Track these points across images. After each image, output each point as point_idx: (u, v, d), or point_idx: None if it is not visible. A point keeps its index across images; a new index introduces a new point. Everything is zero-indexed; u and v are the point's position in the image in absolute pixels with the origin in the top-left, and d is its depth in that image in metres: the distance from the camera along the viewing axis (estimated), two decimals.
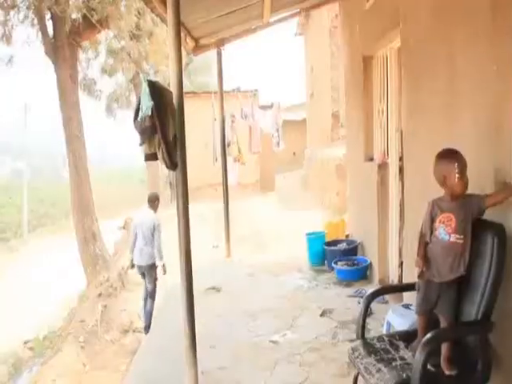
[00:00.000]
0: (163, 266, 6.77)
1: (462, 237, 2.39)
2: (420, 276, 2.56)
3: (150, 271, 6.88)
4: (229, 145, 8.19)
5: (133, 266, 7.17)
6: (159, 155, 3.13)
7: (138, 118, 3.12)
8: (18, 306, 12.57)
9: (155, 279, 6.96)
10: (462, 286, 2.44)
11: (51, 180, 32.64)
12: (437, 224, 2.49)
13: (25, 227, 23.83)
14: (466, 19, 2.84)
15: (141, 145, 3.21)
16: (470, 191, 2.47)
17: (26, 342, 10.30)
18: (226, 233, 7.47)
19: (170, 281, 6.10)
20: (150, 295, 6.93)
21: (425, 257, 2.54)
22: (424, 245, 2.58)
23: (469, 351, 2.41)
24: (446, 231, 2.43)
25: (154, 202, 7.01)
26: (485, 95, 2.63)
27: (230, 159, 8.07)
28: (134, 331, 7.78)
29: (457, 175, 2.39)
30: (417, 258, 2.58)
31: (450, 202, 2.46)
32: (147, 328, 6.61)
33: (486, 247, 2.36)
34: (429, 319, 2.57)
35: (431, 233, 2.53)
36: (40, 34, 12.04)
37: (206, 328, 4.27)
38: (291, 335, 4.33)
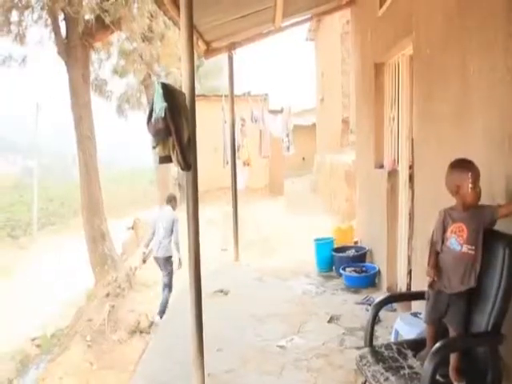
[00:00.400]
0: (179, 259, 7.26)
1: (473, 247, 2.39)
2: (431, 286, 2.56)
3: (165, 264, 7.44)
4: (238, 148, 8.22)
5: (144, 261, 7.78)
6: (173, 157, 3.13)
7: (152, 120, 3.12)
8: (26, 303, 12.65)
9: (171, 272, 7.44)
10: (472, 296, 2.44)
11: (61, 179, 32.81)
12: (448, 234, 2.48)
13: (34, 225, 23.96)
14: (480, 28, 2.84)
15: (154, 148, 3.21)
16: (481, 201, 2.46)
17: (33, 339, 10.37)
18: (235, 236, 7.48)
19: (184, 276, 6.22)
20: (166, 286, 7.45)
21: (436, 266, 2.54)
22: (435, 254, 2.57)
23: (478, 362, 2.40)
24: (457, 241, 2.43)
25: (170, 201, 7.66)
26: (497, 105, 2.63)
27: (239, 163, 8.09)
28: (141, 332, 7.81)
29: (470, 185, 2.38)
30: (428, 268, 2.57)
31: (461, 212, 2.45)
32: (161, 313, 7.10)
33: (497, 258, 2.34)
34: (438, 328, 2.57)
35: (442, 242, 2.53)
36: (53, 34, 12.16)
37: (213, 331, 4.27)
38: (298, 340, 4.34)
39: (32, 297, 13.19)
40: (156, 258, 7.49)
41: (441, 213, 2.57)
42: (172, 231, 7.31)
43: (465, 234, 2.40)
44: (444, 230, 2.52)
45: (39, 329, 10.72)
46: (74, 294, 12.29)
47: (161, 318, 6.92)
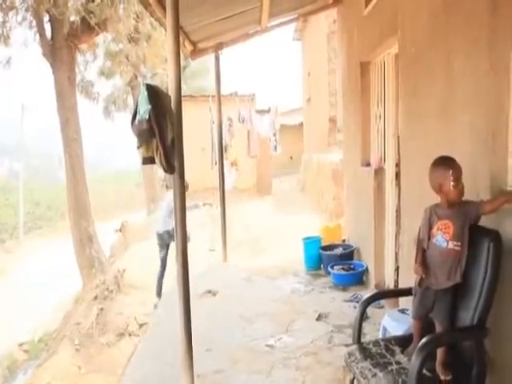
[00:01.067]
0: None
1: (459, 244, 2.41)
2: (419, 283, 2.57)
3: (168, 237, 7.82)
4: (226, 149, 8.22)
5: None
6: (157, 159, 3.12)
7: (136, 122, 3.11)
8: (13, 307, 12.52)
9: (168, 246, 7.89)
10: (457, 291, 2.45)
11: (47, 181, 32.57)
12: (434, 231, 2.50)
13: (20, 229, 23.75)
14: (464, 25, 2.86)
15: (138, 148, 3.20)
16: (466, 197, 2.48)
17: (20, 345, 10.26)
18: (223, 237, 7.47)
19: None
20: (161, 261, 8.01)
21: (423, 264, 2.55)
22: (422, 251, 2.59)
23: (464, 356, 2.43)
24: (444, 238, 2.44)
25: None
26: (482, 102, 2.64)
27: (226, 163, 8.09)
28: (129, 334, 7.76)
29: (452, 183, 2.40)
30: (415, 265, 2.59)
31: (446, 209, 2.47)
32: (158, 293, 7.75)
33: (481, 254, 2.37)
34: (424, 324, 2.59)
35: (428, 240, 2.54)
36: (38, 35, 12.06)
37: (202, 332, 4.27)
38: (287, 339, 4.34)
39: (19, 301, 13.06)
40: (159, 235, 7.93)
41: (426, 210, 2.59)
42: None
43: (451, 231, 2.42)
44: (430, 227, 2.54)
45: (27, 333, 10.62)
46: (61, 298, 12.20)
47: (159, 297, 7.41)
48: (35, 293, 13.30)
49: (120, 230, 14.41)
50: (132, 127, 3.14)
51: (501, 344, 2.46)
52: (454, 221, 2.42)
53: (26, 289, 14.00)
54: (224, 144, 7.84)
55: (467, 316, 2.39)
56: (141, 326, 7.71)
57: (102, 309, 8.50)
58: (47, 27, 12.03)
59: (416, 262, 2.60)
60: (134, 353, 5.01)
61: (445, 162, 2.48)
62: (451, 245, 2.42)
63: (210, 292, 5.79)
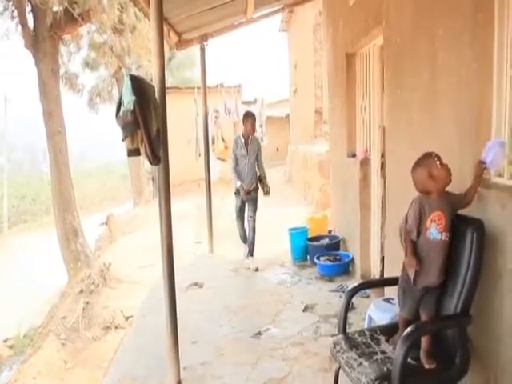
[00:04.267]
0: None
1: (448, 235, 2.40)
2: (415, 282, 2.46)
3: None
4: (213, 141, 8.17)
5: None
6: (142, 150, 3.09)
7: (120, 113, 3.07)
8: None
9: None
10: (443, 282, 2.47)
11: (32, 175, 32.18)
12: (428, 223, 2.41)
13: (5, 223, 23.48)
14: (447, 16, 2.86)
15: (123, 140, 3.17)
16: (452, 187, 2.49)
17: (5, 340, 10.15)
18: (209, 228, 7.45)
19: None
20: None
21: (416, 254, 2.44)
22: (412, 242, 2.46)
23: (448, 345, 2.45)
24: (437, 230, 2.39)
25: None
26: (465, 92, 2.66)
27: (212, 155, 8.04)
28: (116, 328, 7.72)
29: (438, 161, 2.41)
30: (407, 258, 2.47)
31: (437, 200, 2.42)
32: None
33: (465, 243, 2.38)
34: (411, 315, 2.60)
35: (419, 233, 2.45)
36: (20, 26, 11.84)
37: (188, 324, 4.27)
38: (274, 330, 4.35)
39: (4, 296, 12.92)
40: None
41: (416, 201, 2.47)
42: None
43: (443, 222, 2.38)
44: (420, 220, 2.43)
45: (12, 329, 10.50)
46: (47, 292, 12.08)
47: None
48: (20, 287, 13.15)
49: (106, 224, 14.30)
50: (116, 119, 3.10)
51: (484, 332, 2.48)
52: (446, 211, 2.39)
53: (10, 283, 13.84)
54: (211, 136, 7.79)
55: (451, 304, 2.41)
56: (127, 318, 7.67)
57: (87, 303, 8.44)
58: (29, 18, 11.81)
59: (406, 254, 2.47)
60: (120, 346, 4.99)
61: (423, 157, 2.49)
62: (444, 236, 2.39)
63: (196, 284, 5.78)
